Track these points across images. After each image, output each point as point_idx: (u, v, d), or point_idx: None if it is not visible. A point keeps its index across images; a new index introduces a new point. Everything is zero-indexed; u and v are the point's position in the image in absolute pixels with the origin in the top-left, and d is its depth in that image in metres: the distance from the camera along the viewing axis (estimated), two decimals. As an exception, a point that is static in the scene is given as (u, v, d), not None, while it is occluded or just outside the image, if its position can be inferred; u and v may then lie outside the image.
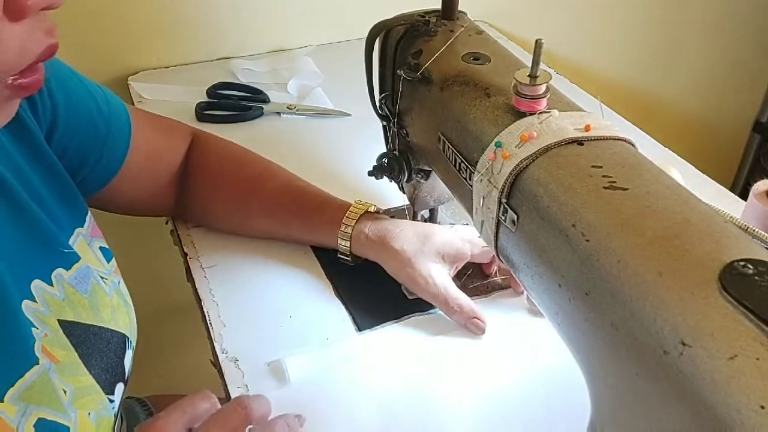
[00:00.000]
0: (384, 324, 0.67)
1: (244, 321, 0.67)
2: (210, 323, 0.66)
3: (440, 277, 0.66)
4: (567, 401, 0.57)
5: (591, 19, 1.42)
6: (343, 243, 0.69)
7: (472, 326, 0.65)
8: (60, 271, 0.53)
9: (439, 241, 0.67)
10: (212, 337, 0.65)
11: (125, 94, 1.07)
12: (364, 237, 0.68)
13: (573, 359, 0.44)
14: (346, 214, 0.69)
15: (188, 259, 0.74)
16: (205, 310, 0.68)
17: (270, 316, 0.68)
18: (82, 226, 0.58)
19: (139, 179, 0.71)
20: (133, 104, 1.04)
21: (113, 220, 0.97)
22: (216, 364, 0.64)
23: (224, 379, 0.61)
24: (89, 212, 0.60)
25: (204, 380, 0.77)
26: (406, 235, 0.67)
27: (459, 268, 0.70)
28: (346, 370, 0.62)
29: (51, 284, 0.52)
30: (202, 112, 0.99)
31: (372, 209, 0.70)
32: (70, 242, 0.56)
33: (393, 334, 0.66)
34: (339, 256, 0.71)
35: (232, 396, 0.59)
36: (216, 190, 0.75)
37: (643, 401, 0.35)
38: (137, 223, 0.79)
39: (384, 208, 0.81)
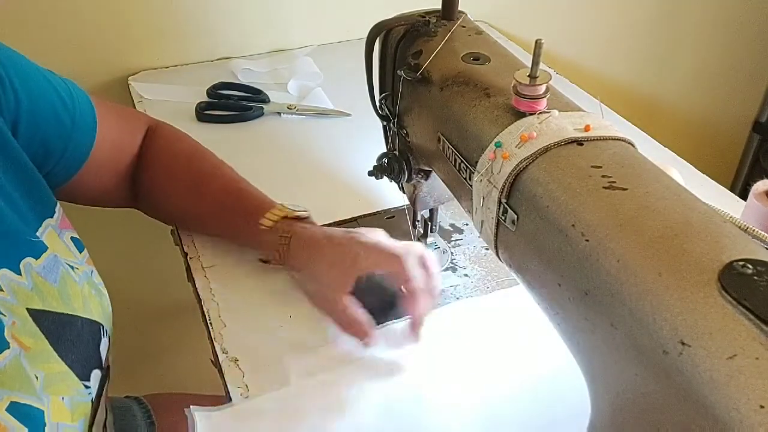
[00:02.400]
0: (384, 324, 0.67)
1: (244, 321, 0.67)
2: (210, 323, 0.67)
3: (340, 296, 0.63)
4: (567, 401, 0.57)
5: (591, 19, 1.42)
6: (262, 244, 0.68)
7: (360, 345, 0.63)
8: (29, 260, 0.53)
9: (354, 250, 0.64)
10: (212, 337, 0.65)
11: (125, 94, 1.08)
12: (280, 243, 0.67)
13: (573, 359, 0.44)
14: (266, 216, 0.67)
15: (188, 258, 0.74)
16: (205, 310, 0.68)
17: (270, 316, 0.68)
18: (52, 217, 0.59)
19: (103, 171, 0.70)
20: (134, 104, 1.04)
21: (113, 222, 0.97)
22: (216, 364, 0.64)
23: (224, 379, 0.61)
24: (58, 204, 0.60)
25: (204, 380, 0.77)
26: (321, 247, 0.65)
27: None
28: (346, 370, 0.62)
29: (19, 273, 0.52)
30: (202, 112, 0.99)
31: (289, 214, 0.68)
32: (38, 233, 0.56)
33: (393, 334, 0.66)
34: (259, 259, 0.71)
35: (233, 396, 0.59)
36: (161, 185, 0.74)
37: (642, 401, 0.36)
38: (138, 223, 0.80)
39: (384, 208, 0.82)
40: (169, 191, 0.74)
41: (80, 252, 0.61)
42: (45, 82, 0.63)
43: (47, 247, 0.55)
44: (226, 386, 0.61)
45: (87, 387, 0.55)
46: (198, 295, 0.70)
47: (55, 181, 0.64)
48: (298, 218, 0.69)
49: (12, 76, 0.58)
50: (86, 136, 0.66)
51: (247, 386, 0.60)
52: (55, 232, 0.58)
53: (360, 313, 0.63)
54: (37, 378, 0.50)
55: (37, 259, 0.54)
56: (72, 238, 0.60)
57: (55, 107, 0.63)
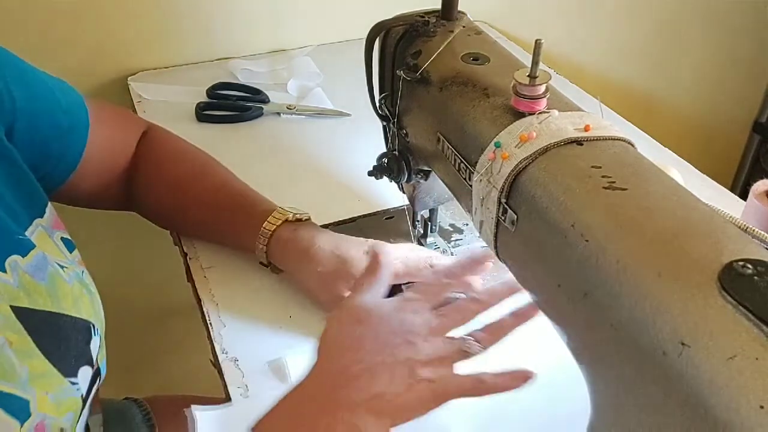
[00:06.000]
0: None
1: (244, 321, 0.67)
2: (210, 323, 0.67)
3: None
4: (567, 401, 0.57)
5: (590, 19, 1.42)
6: (261, 249, 0.68)
7: None
8: (15, 258, 0.53)
9: (357, 268, 0.64)
10: (212, 337, 0.65)
11: (125, 94, 1.08)
12: (281, 248, 0.67)
13: (573, 359, 0.44)
14: (268, 220, 0.67)
15: (188, 259, 0.74)
16: (205, 310, 0.68)
17: (270, 316, 0.68)
18: (42, 217, 0.59)
19: (97, 173, 0.70)
20: (133, 104, 1.04)
21: (113, 223, 0.97)
22: (216, 364, 0.64)
23: (224, 379, 0.61)
24: (49, 204, 0.60)
25: (204, 380, 0.77)
26: (323, 254, 0.65)
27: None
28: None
29: (5, 271, 0.52)
30: (202, 112, 0.99)
31: (290, 218, 0.68)
32: (28, 232, 0.56)
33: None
34: (260, 263, 0.70)
35: (232, 396, 0.59)
36: (151, 185, 0.74)
37: (642, 402, 0.35)
38: (137, 224, 0.80)
39: (384, 208, 0.82)
40: (157, 192, 0.74)
41: (70, 252, 0.60)
42: (42, 85, 0.63)
43: (35, 246, 0.55)
44: (226, 386, 0.61)
45: (74, 383, 0.55)
46: (198, 295, 0.70)
47: (51, 183, 0.64)
48: (299, 220, 0.69)
49: (8, 78, 0.58)
50: (79, 138, 0.66)
51: (247, 386, 0.60)
52: (45, 232, 0.58)
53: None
54: (22, 371, 0.50)
55: (24, 257, 0.54)
56: (62, 239, 0.60)
57: (53, 110, 0.63)
